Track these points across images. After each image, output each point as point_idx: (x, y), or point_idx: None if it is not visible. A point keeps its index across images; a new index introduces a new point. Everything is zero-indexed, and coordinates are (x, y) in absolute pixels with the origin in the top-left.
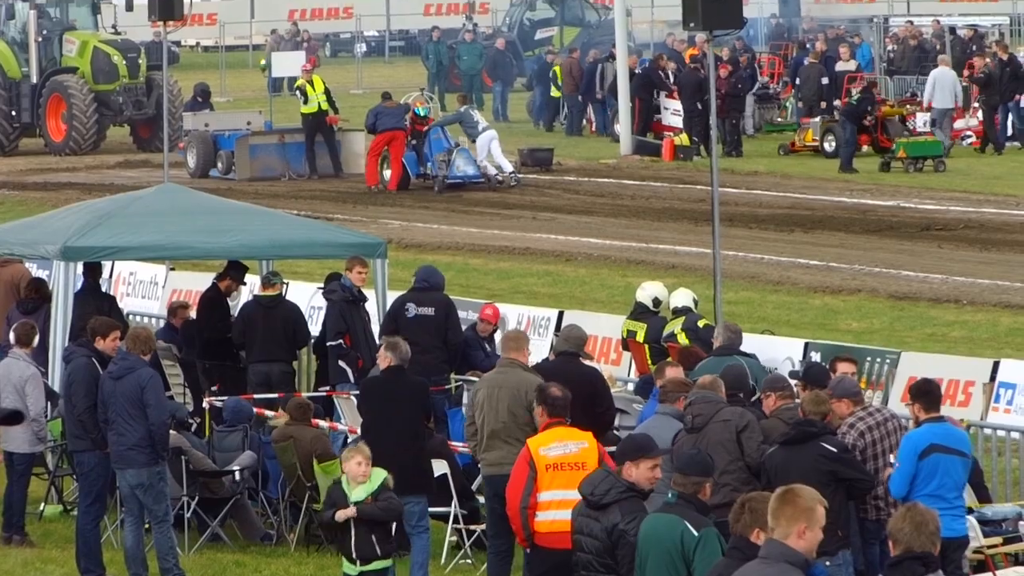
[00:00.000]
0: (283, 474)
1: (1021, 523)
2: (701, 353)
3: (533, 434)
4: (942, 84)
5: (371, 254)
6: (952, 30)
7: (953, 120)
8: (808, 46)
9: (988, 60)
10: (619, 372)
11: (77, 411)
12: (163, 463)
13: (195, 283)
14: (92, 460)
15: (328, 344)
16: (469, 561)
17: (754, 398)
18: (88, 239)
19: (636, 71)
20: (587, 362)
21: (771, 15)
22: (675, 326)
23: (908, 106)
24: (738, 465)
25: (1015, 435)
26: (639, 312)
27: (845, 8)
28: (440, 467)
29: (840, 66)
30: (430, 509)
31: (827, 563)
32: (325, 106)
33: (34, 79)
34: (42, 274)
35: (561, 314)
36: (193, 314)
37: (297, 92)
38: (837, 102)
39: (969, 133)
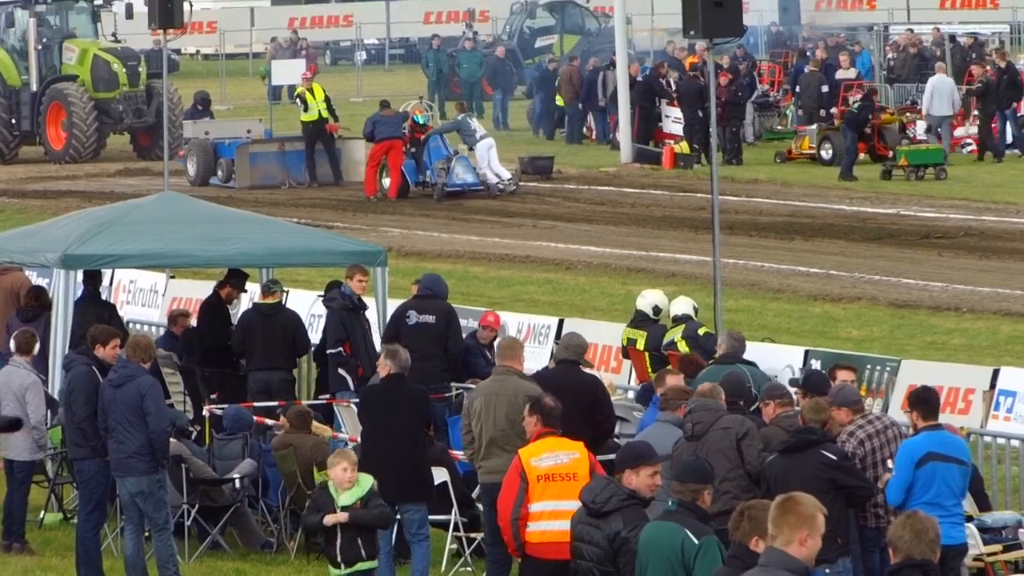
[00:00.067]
0: (283, 482)
1: (1021, 531)
2: (701, 361)
3: None
4: (940, 92)
5: (371, 262)
6: (952, 38)
7: (953, 128)
8: (808, 54)
9: (987, 68)
10: (619, 380)
11: (77, 419)
12: (163, 471)
13: (195, 291)
14: (92, 468)
15: (328, 352)
16: (469, 569)
17: (754, 406)
18: (88, 247)
19: (638, 79)
20: (587, 370)
21: (771, 23)
22: (675, 334)
23: (908, 114)
24: (738, 473)
25: (1015, 443)
26: (639, 320)
27: (845, 16)
28: (440, 475)
29: (840, 74)
30: (430, 517)
31: (827, 571)
32: (325, 114)
33: (34, 87)
34: (42, 282)
35: (561, 322)
36: (194, 322)
37: (297, 100)
38: (834, 110)
39: (969, 141)
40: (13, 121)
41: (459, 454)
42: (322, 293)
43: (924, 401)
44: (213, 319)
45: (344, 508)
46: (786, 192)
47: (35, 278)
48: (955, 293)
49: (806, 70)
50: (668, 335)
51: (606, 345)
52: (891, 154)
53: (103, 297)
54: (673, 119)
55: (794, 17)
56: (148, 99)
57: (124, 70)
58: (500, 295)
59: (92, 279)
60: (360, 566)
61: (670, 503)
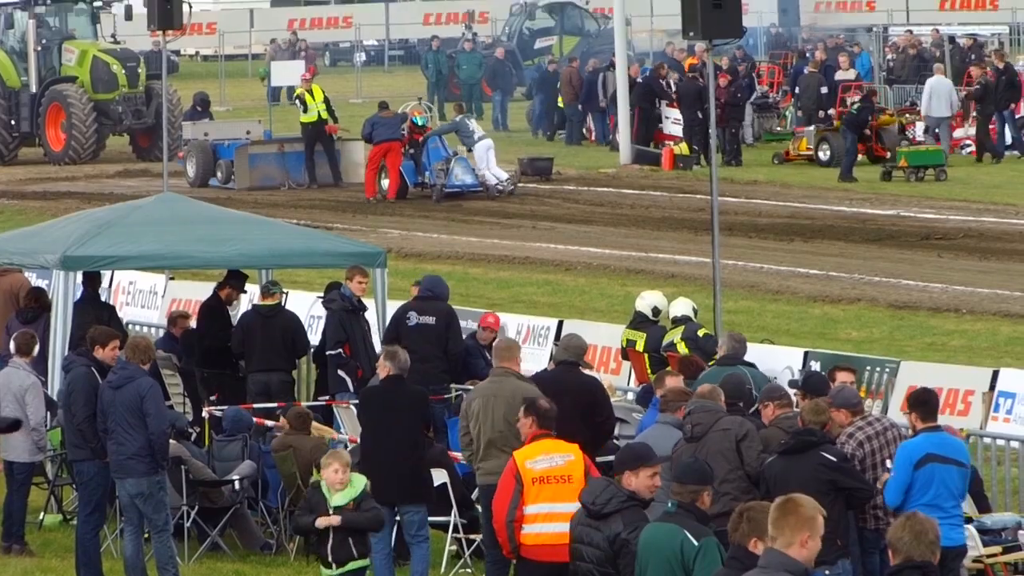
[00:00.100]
0: (283, 483)
1: (1021, 532)
2: (701, 362)
3: None
4: (938, 93)
5: (371, 263)
6: (951, 39)
7: (952, 129)
8: (808, 55)
9: (986, 69)
10: (619, 381)
11: (77, 420)
12: (163, 472)
13: (194, 292)
14: (92, 469)
15: (328, 353)
16: (469, 570)
17: (753, 408)
18: (87, 248)
19: (638, 80)
20: (587, 371)
21: (770, 24)
22: (675, 335)
23: (907, 115)
24: (738, 474)
25: (1014, 444)
26: (639, 321)
27: (844, 17)
28: (440, 476)
29: (840, 75)
30: (430, 518)
31: (826, 573)
32: (325, 115)
33: (33, 88)
34: (41, 283)
35: (561, 323)
36: (193, 323)
37: (296, 101)
38: (831, 111)
39: (968, 142)
40: (12, 122)
41: (459, 455)
42: (321, 294)
43: (923, 403)
44: (213, 320)
45: (337, 508)
46: (785, 193)
47: (34, 279)
48: (955, 294)
49: (805, 71)
50: (667, 336)
51: (605, 346)
52: (888, 155)
53: (102, 298)
54: (673, 120)
55: (793, 18)
56: (147, 100)
57: (123, 71)
58: (499, 296)
59: (91, 280)
60: (351, 565)
61: (669, 504)
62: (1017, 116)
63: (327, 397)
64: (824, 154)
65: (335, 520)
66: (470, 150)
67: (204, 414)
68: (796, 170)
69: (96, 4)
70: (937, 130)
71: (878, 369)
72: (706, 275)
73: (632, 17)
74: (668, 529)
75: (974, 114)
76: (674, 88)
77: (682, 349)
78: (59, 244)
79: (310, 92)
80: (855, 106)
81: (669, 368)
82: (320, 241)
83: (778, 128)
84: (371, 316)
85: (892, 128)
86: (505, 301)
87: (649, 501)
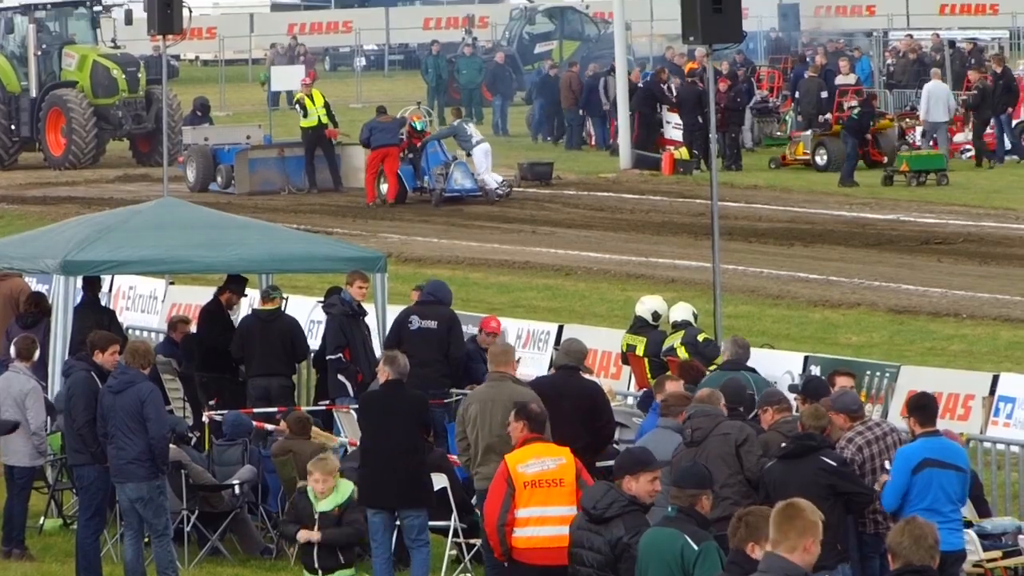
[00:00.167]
0: (283, 488)
1: (1021, 537)
2: (701, 367)
3: None
4: (936, 98)
5: (371, 268)
6: (952, 44)
7: (952, 133)
8: (808, 60)
9: (986, 74)
10: (619, 386)
11: (77, 425)
12: (163, 477)
13: (195, 297)
14: (92, 474)
15: (328, 358)
16: (469, 575)
17: (752, 413)
18: (88, 253)
19: (639, 85)
20: (587, 376)
21: (770, 29)
22: (675, 340)
23: (907, 120)
24: (738, 479)
25: (1015, 449)
26: (639, 326)
27: (844, 22)
28: (440, 481)
29: (840, 80)
30: (430, 523)
31: None
32: (325, 120)
33: (33, 93)
34: (42, 288)
35: (561, 328)
36: (194, 328)
37: (297, 106)
38: (828, 115)
39: (968, 147)
40: (12, 127)
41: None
42: (322, 299)
43: (922, 407)
44: (213, 324)
45: (323, 514)
46: (785, 198)
47: (35, 284)
48: (955, 299)
49: (806, 76)
50: (667, 341)
51: (605, 351)
52: (886, 160)
53: (103, 303)
54: (674, 125)
55: (793, 23)
56: (147, 105)
57: (123, 76)
58: (499, 301)
59: (91, 285)
60: (339, 574)
61: (669, 509)
62: (1016, 121)
63: (327, 402)
64: (821, 158)
65: (315, 536)
66: (469, 154)
67: (204, 419)
68: (796, 175)
69: (96, 9)
70: (935, 135)
71: (878, 374)
72: (706, 280)
73: (632, 22)
74: (668, 533)
75: (973, 118)
76: (674, 93)
77: (682, 354)
78: (59, 249)
79: (310, 97)
80: (855, 111)
81: (669, 373)
82: (320, 246)
83: (778, 133)
84: (371, 321)
85: (889, 133)
86: (505, 306)
87: (650, 505)
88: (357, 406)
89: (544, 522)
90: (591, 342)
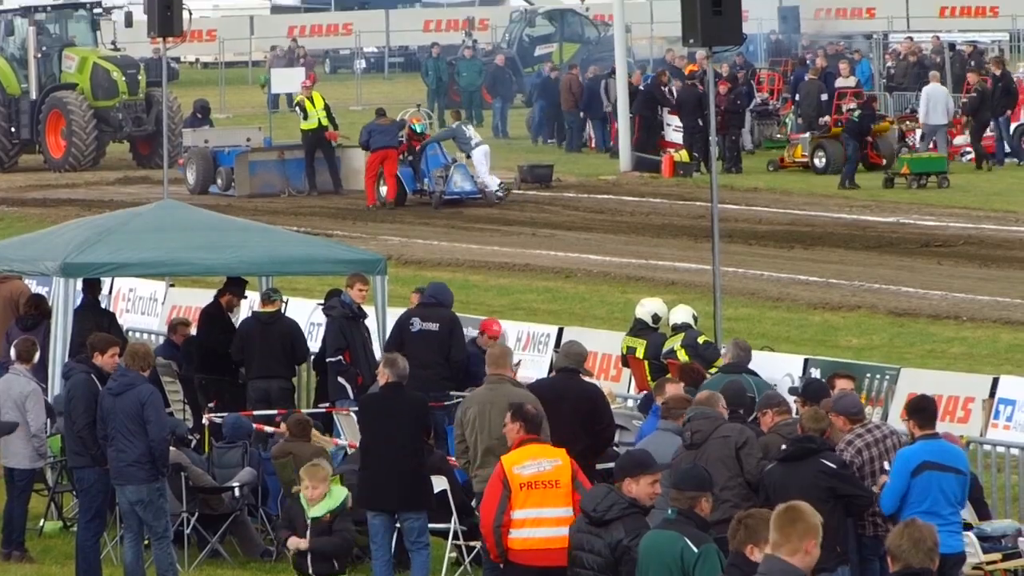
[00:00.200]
0: (283, 490)
1: (1021, 539)
2: (701, 369)
3: None
4: (935, 100)
5: (371, 271)
6: (952, 46)
7: (952, 136)
8: (808, 62)
9: (985, 77)
10: (619, 388)
11: (77, 427)
12: (163, 479)
13: (195, 299)
14: (92, 476)
15: (328, 360)
16: None
17: (752, 416)
18: (88, 255)
19: (640, 88)
20: (587, 378)
21: (770, 31)
22: (675, 342)
23: (907, 122)
24: (738, 481)
25: (1014, 451)
26: (639, 328)
27: (845, 24)
28: (440, 483)
29: (840, 82)
30: (429, 525)
31: None
32: (325, 122)
33: (33, 95)
34: (41, 290)
35: (561, 330)
36: (194, 331)
37: (297, 108)
38: (827, 118)
39: (968, 149)
40: (12, 129)
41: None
42: (322, 301)
43: (921, 410)
44: (213, 326)
45: (314, 520)
46: (785, 200)
47: (35, 286)
48: (955, 301)
49: (806, 78)
50: (667, 343)
51: (606, 353)
52: (884, 163)
53: (103, 305)
54: (675, 128)
55: (793, 25)
56: (147, 107)
57: (123, 78)
58: (499, 303)
59: (91, 287)
60: None
61: (669, 511)
62: (1015, 124)
63: (327, 404)
64: (820, 161)
65: (302, 544)
66: (468, 156)
67: (204, 421)
68: (796, 177)
69: (96, 11)
70: (935, 137)
71: (878, 376)
72: (706, 282)
73: (632, 24)
74: (668, 536)
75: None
76: (675, 95)
77: (682, 356)
78: (59, 251)
79: (310, 99)
80: (856, 113)
81: (669, 375)
82: (320, 248)
83: (778, 135)
84: (371, 323)
85: (888, 136)
86: (505, 308)
87: (650, 508)
88: (357, 408)
89: (540, 523)
90: (591, 344)
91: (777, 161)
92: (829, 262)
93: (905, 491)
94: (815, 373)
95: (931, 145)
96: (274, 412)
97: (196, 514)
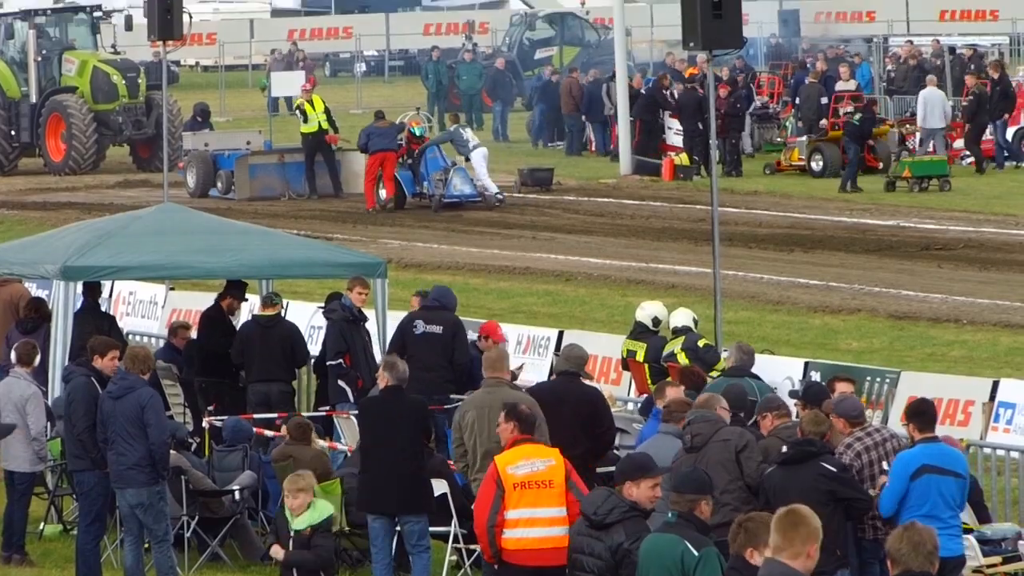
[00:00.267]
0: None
1: (1021, 542)
2: (701, 373)
3: None
4: (932, 104)
5: (371, 274)
6: (952, 50)
7: (952, 140)
8: (808, 66)
9: (984, 79)
10: (619, 392)
11: (77, 431)
12: (163, 483)
13: (195, 303)
14: (92, 480)
15: (328, 363)
16: None
17: (752, 420)
18: (88, 259)
19: (641, 91)
20: (587, 382)
21: (771, 35)
22: (675, 346)
23: (907, 126)
24: (738, 485)
25: (1015, 454)
26: (639, 332)
27: (844, 28)
28: (440, 486)
29: (840, 86)
30: (430, 528)
31: None
32: (325, 126)
33: (33, 99)
34: (41, 293)
35: (561, 334)
36: (194, 334)
37: (297, 112)
38: (824, 122)
39: (968, 153)
40: (12, 133)
41: None
42: (322, 305)
43: (921, 413)
44: (213, 329)
45: (297, 532)
46: (785, 204)
47: (34, 290)
48: (955, 305)
49: (806, 82)
50: (668, 347)
51: (606, 357)
52: (881, 166)
53: (103, 309)
54: (676, 131)
55: (793, 29)
56: (148, 111)
57: (123, 82)
58: (500, 307)
59: (91, 291)
60: None
61: (670, 515)
62: (1014, 128)
63: (328, 407)
64: (817, 164)
65: (280, 555)
66: (467, 159)
67: (204, 424)
68: (796, 180)
69: (96, 14)
70: (932, 141)
71: (878, 379)
72: (706, 285)
73: (632, 27)
74: (668, 539)
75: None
76: (676, 98)
77: (682, 359)
78: (59, 254)
79: (310, 102)
80: (856, 117)
81: (669, 378)
82: (320, 251)
83: (778, 139)
84: (371, 326)
85: (886, 139)
86: (505, 311)
87: (650, 511)
88: (357, 412)
89: (534, 523)
90: (591, 348)
91: (774, 164)
92: (829, 265)
93: (904, 494)
94: (815, 376)
95: (930, 148)
96: (274, 415)
97: (196, 517)
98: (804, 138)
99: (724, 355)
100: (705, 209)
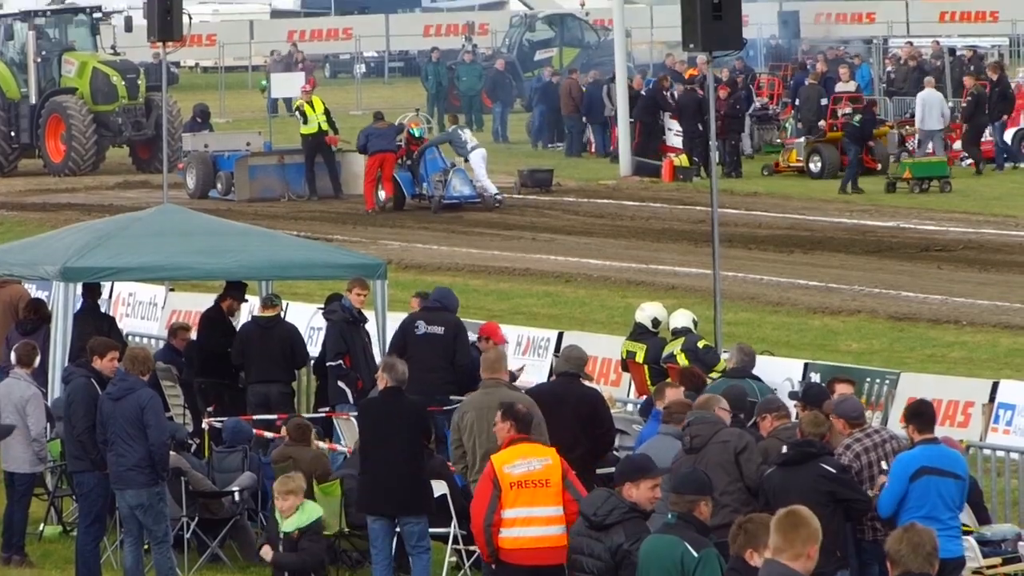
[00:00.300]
0: None
1: (1020, 544)
2: (701, 374)
3: None
4: (930, 106)
5: (371, 275)
6: (952, 51)
7: (952, 141)
8: (808, 67)
9: (983, 80)
10: (619, 393)
11: (76, 432)
12: (163, 484)
13: (194, 304)
14: (91, 481)
15: (328, 364)
16: None
17: (751, 421)
18: (88, 260)
19: (641, 92)
20: (587, 383)
21: (770, 36)
22: (674, 347)
23: (907, 127)
24: (737, 487)
25: (1014, 455)
26: (638, 333)
27: (844, 29)
28: (440, 488)
29: (840, 87)
30: (430, 530)
31: None
32: (325, 127)
33: (33, 100)
34: (41, 295)
35: (561, 335)
36: (194, 335)
37: (297, 113)
38: (822, 123)
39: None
40: (12, 134)
41: None
42: (322, 306)
43: (919, 414)
44: (213, 330)
45: (285, 534)
46: (785, 205)
47: (34, 291)
48: (955, 306)
49: (806, 83)
50: (667, 348)
51: (605, 358)
52: (879, 167)
53: (102, 310)
54: (676, 132)
55: (793, 30)
56: (147, 112)
57: (123, 83)
58: (499, 308)
59: (91, 292)
60: None
61: (669, 516)
62: (1016, 129)
63: (327, 408)
64: (815, 165)
65: (268, 556)
66: (466, 160)
67: (204, 425)
68: (796, 182)
69: (96, 15)
70: (931, 142)
71: (878, 381)
72: (706, 287)
73: (632, 29)
74: (668, 540)
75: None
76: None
77: (682, 361)
78: (59, 255)
79: (310, 104)
80: (857, 118)
81: (669, 380)
82: (320, 253)
83: (778, 140)
84: (371, 328)
85: (885, 140)
86: (505, 313)
87: (650, 512)
88: (357, 413)
89: (530, 523)
90: (591, 349)
91: (772, 166)
92: (829, 266)
93: (903, 495)
94: (815, 377)
95: (929, 150)
96: (274, 417)
97: (196, 518)
98: (802, 139)
99: (724, 356)
100: (705, 210)
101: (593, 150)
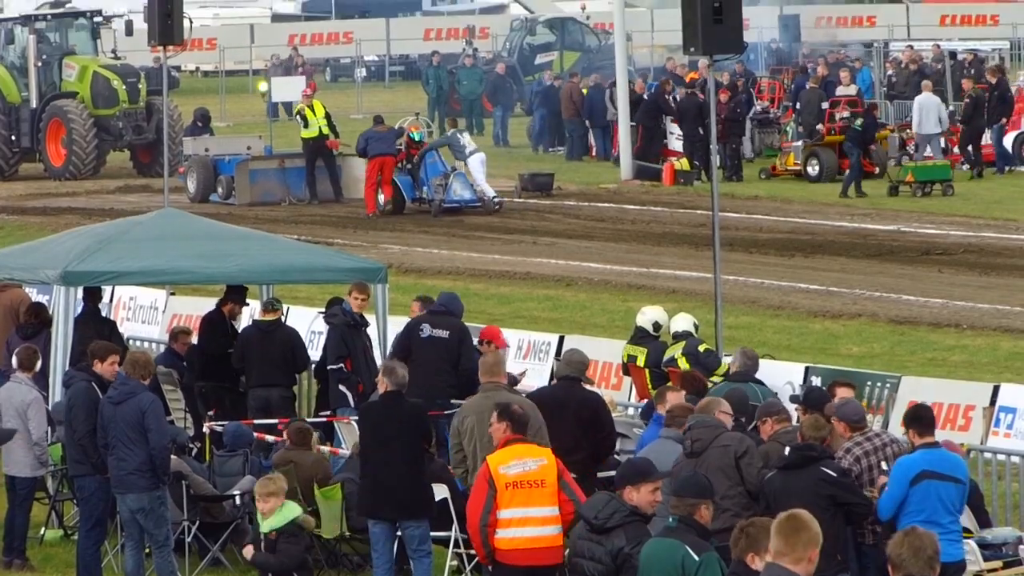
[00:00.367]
0: None
1: (1021, 547)
2: (702, 378)
3: None
4: (927, 110)
5: (371, 279)
6: (952, 55)
7: (952, 144)
8: (809, 71)
9: (982, 83)
10: (620, 397)
11: (77, 436)
12: (164, 488)
13: (195, 308)
14: (92, 485)
15: (329, 368)
16: None
17: (752, 425)
18: (88, 264)
19: (643, 96)
20: (588, 387)
21: (771, 40)
22: (676, 351)
23: (907, 131)
24: (738, 491)
25: (1015, 459)
26: (639, 337)
27: (845, 33)
28: (441, 491)
29: (840, 91)
30: (431, 533)
31: None
32: (326, 131)
33: (34, 104)
34: (42, 299)
35: (562, 339)
36: (195, 339)
37: (297, 117)
38: (820, 126)
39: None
40: (13, 138)
41: None
42: (323, 310)
43: (919, 418)
44: (213, 333)
45: (264, 535)
46: (786, 209)
47: (35, 295)
48: (955, 310)
49: (807, 87)
50: (668, 352)
51: (606, 362)
52: (877, 171)
53: (103, 314)
54: (677, 136)
55: (794, 34)
56: (148, 116)
57: (124, 87)
58: (500, 312)
59: (92, 296)
60: None
61: (670, 520)
62: (1016, 132)
63: (328, 412)
64: (813, 169)
65: (248, 555)
66: (465, 164)
67: (205, 429)
68: (797, 186)
69: (97, 19)
70: (929, 146)
71: (879, 384)
72: (707, 290)
73: (633, 32)
74: (669, 544)
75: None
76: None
77: (683, 364)
78: (60, 259)
79: (311, 108)
80: (858, 122)
81: (670, 384)
82: (320, 257)
83: (778, 144)
84: (372, 331)
85: (886, 144)
86: (506, 317)
87: (651, 516)
88: (358, 417)
89: (526, 523)
90: (592, 353)
91: (769, 169)
92: (830, 270)
93: (903, 499)
94: (816, 381)
95: (927, 153)
96: (275, 420)
97: (197, 522)
98: (800, 143)
99: (725, 360)
100: (706, 214)
101: (594, 154)
